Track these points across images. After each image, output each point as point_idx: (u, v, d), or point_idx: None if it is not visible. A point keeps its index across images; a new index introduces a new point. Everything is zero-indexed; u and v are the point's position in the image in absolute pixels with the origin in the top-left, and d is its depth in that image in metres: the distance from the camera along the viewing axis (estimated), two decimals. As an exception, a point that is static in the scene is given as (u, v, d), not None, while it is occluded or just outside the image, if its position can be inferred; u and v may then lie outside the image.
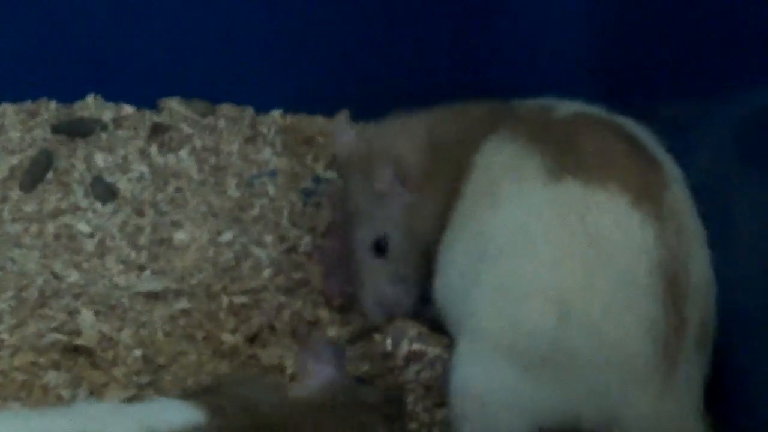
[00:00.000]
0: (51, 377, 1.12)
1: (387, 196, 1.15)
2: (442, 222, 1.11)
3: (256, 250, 1.30)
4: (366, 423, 0.98)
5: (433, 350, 1.17)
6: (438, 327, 1.14)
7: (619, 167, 1.03)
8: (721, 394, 1.02)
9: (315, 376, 0.98)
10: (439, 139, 1.15)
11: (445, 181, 1.11)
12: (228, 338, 1.20)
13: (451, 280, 1.09)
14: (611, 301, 0.95)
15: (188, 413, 0.92)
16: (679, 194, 1.05)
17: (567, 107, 1.14)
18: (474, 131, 1.14)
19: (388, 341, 1.15)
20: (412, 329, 1.17)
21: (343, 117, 1.24)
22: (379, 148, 1.18)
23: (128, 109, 1.43)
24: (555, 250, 0.98)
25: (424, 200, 1.14)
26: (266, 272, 1.26)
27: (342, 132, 1.23)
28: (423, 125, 1.17)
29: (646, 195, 1.01)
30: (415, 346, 1.18)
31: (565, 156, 1.04)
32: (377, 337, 1.16)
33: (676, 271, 0.99)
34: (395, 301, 1.18)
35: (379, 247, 1.17)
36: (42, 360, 1.14)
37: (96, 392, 1.13)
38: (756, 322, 1.07)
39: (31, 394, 1.11)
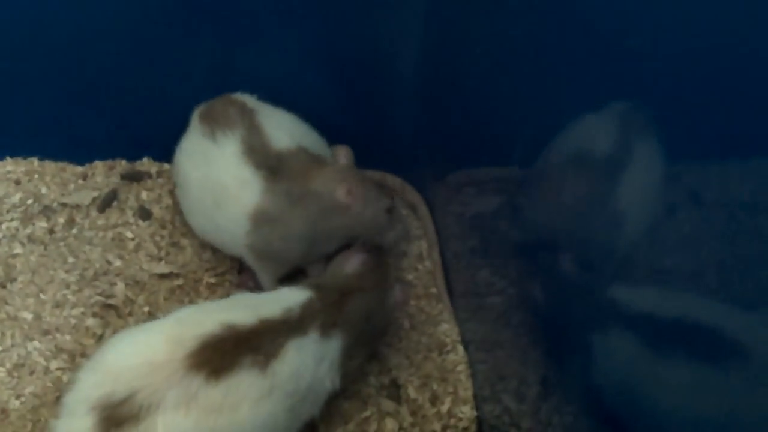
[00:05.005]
0: (91, 322, 1.32)
1: None
2: None
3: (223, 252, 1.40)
4: (385, 266, 1.27)
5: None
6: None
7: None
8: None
9: (357, 260, 1.25)
10: None
11: None
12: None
13: None
14: None
15: (304, 293, 1.15)
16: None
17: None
18: None
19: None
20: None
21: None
22: None
23: (167, 166, 1.52)
24: None
25: None
26: (228, 263, 1.41)
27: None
28: None
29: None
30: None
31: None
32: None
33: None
34: None
35: None
36: (88, 311, 1.33)
37: (117, 332, 1.24)
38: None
39: (78, 331, 1.30)
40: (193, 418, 0.97)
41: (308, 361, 1.09)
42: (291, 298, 1.13)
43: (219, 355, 1.00)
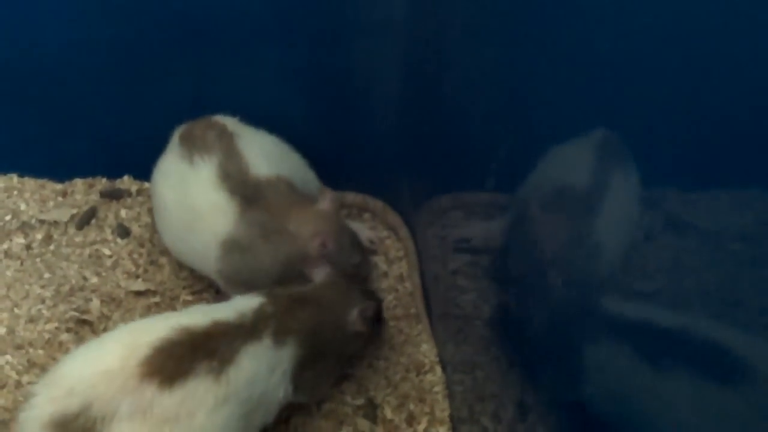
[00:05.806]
0: (65, 337, 1.29)
1: None
2: None
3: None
4: (347, 286, 1.23)
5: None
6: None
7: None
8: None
9: (320, 273, 1.23)
10: None
11: None
12: (180, 321, 1.38)
13: None
14: None
15: (256, 299, 1.13)
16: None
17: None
18: None
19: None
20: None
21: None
22: None
23: (147, 185, 1.48)
24: None
25: None
26: (206, 281, 1.36)
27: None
28: None
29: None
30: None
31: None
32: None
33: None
34: None
35: None
36: (62, 326, 1.30)
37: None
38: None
39: (51, 346, 1.27)
40: (149, 428, 0.95)
41: (262, 368, 1.07)
42: (244, 303, 1.12)
43: (173, 361, 0.98)
